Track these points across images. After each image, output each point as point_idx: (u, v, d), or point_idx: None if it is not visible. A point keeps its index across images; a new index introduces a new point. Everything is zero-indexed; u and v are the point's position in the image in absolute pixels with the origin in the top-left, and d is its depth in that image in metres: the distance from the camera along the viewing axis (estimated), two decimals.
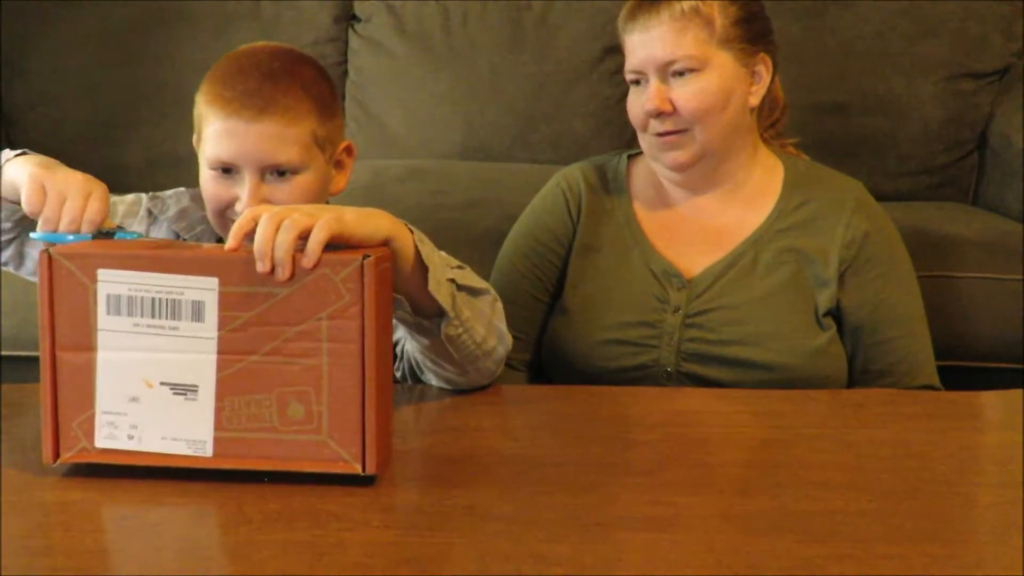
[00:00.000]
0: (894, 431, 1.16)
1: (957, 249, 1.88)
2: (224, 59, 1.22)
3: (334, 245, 0.95)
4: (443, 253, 1.15)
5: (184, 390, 0.94)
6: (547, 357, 1.48)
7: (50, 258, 0.94)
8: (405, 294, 1.09)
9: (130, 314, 0.94)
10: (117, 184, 1.30)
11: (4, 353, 1.86)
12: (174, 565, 0.83)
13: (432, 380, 1.23)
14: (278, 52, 1.23)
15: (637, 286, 1.42)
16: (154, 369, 0.94)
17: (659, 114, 1.38)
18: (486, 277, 1.27)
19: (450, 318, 1.11)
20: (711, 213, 1.45)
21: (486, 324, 1.17)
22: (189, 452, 0.95)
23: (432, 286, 1.07)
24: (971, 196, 2.33)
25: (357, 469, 0.93)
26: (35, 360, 0.97)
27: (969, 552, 0.88)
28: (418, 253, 1.06)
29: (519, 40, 2.36)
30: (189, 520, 0.92)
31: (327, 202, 1.25)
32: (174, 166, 2.32)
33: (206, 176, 1.21)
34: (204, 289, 0.93)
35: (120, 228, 1.11)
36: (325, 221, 0.94)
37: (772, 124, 1.52)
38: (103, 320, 0.94)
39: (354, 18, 2.45)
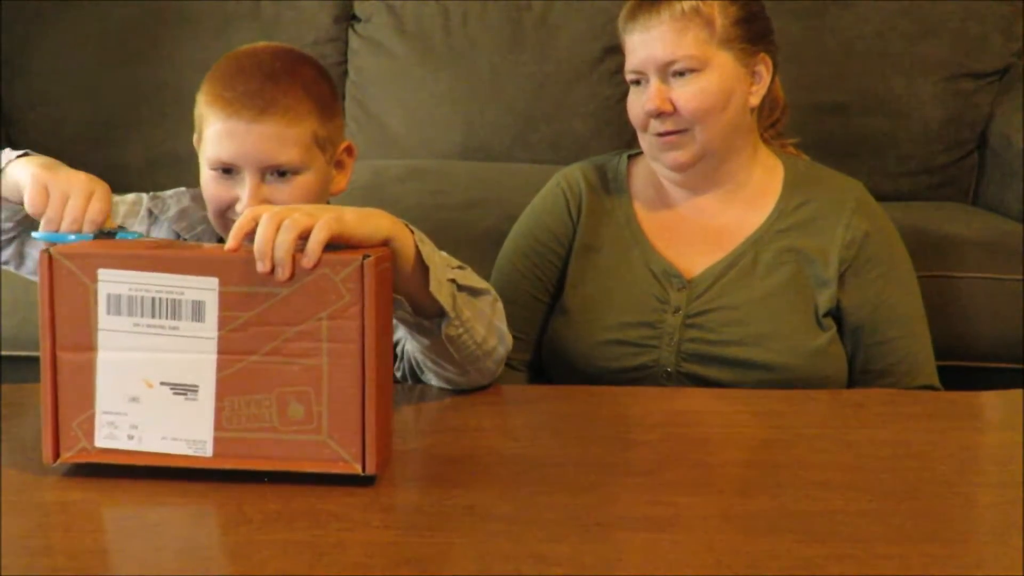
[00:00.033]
0: (894, 431, 1.16)
1: (957, 249, 1.88)
2: (225, 59, 1.22)
3: (334, 245, 0.95)
4: (443, 253, 1.15)
5: (184, 390, 0.94)
6: (547, 357, 1.48)
7: (50, 258, 0.94)
8: (405, 294, 1.09)
9: (130, 314, 0.94)
10: (117, 184, 1.30)
11: (4, 353, 1.86)
12: (174, 565, 0.83)
13: (432, 380, 1.23)
14: (279, 52, 1.23)
15: (637, 286, 1.42)
16: (154, 369, 0.94)
17: (659, 114, 1.38)
18: (486, 277, 1.27)
19: (451, 318, 1.11)
20: (711, 213, 1.45)
21: (486, 324, 1.17)
22: (189, 452, 0.95)
23: (433, 286, 1.07)
24: (971, 196, 2.33)
25: (357, 469, 0.93)
26: (35, 360, 0.97)
27: (969, 552, 0.88)
28: (418, 253, 1.06)
29: (519, 40, 2.36)
30: (189, 520, 0.92)
31: (327, 202, 1.25)
32: (174, 166, 2.31)
33: (207, 176, 1.21)
34: (204, 289, 0.93)
35: (121, 228, 1.11)
36: (325, 221, 0.94)
37: (772, 124, 1.52)
38: (103, 320, 0.94)
39: (354, 18, 2.45)
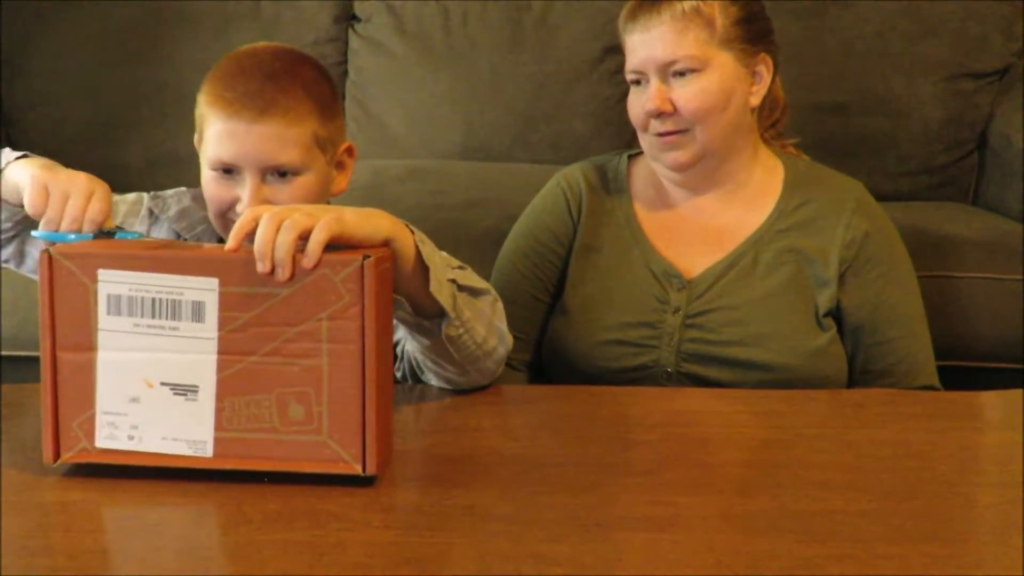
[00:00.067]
0: (894, 431, 1.16)
1: (957, 249, 1.88)
2: (225, 59, 1.22)
3: (335, 245, 0.95)
4: (443, 253, 1.15)
5: (184, 390, 0.94)
6: (547, 357, 1.48)
7: (50, 258, 0.94)
8: (406, 294, 1.09)
9: (130, 314, 0.94)
10: (118, 184, 1.30)
11: (4, 353, 1.86)
12: (174, 565, 0.83)
13: (432, 380, 1.23)
14: (279, 53, 1.23)
15: (637, 286, 1.42)
16: (154, 369, 0.94)
17: (660, 114, 1.38)
18: (486, 277, 1.27)
19: (451, 318, 1.11)
20: (711, 213, 1.45)
21: (487, 324, 1.17)
22: (189, 452, 0.95)
23: (433, 287, 1.07)
24: (971, 196, 2.33)
25: (357, 470, 0.93)
26: (35, 360, 0.97)
27: (969, 552, 0.88)
28: (419, 253, 1.06)
29: (519, 40, 2.36)
30: (189, 520, 0.92)
31: (328, 203, 1.25)
32: (174, 166, 2.32)
33: (207, 177, 1.21)
34: (204, 289, 0.93)
35: (120, 228, 1.11)
36: (325, 222, 0.94)
37: (772, 124, 1.52)
38: (103, 320, 0.94)
39: (354, 18, 2.45)
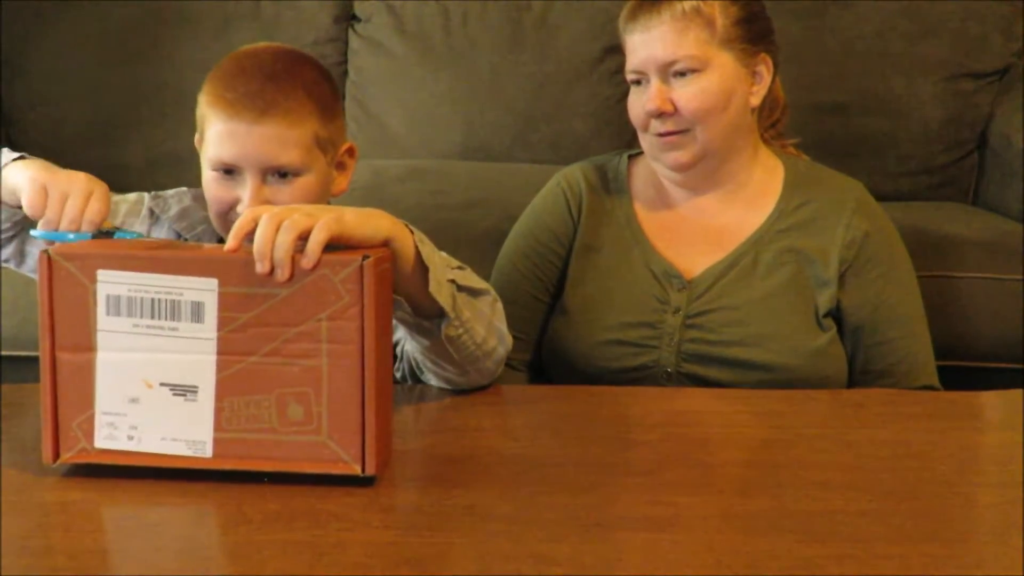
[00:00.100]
0: (894, 431, 1.16)
1: (957, 249, 1.88)
2: (226, 60, 1.22)
3: (334, 246, 0.95)
4: (443, 254, 1.15)
5: (184, 391, 0.94)
6: (547, 357, 1.48)
7: (50, 259, 0.94)
8: (405, 295, 1.09)
9: (130, 315, 0.94)
10: (118, 184, 1.30)
11: (4, 353, 1.86)
12: (174, 565, 0.83)
13: (432, 380, 1.23)
14: (280, 53, 1.23)
15: (637, 287, 1.42)
16: (154, 370, 0.94)
17: (660, 114, 1.38)
18: (486, 277, 1.27)
19: (450, 319, 1.11)
20: (712, 213, 1.45)
21: (486, 325, 1.17)
22: (189, 453, 0.95)
23: (433, 287, 1.07)
24: (971, 196, 2.33)
25: (356, 470, 0.93)
26: (35, 360, 0.97)
27: (969, 552, 0.88)
28: (418, 254, 1.06)
29: (519, 40, 2.36)
30: (189, 520, 0.92)
31: (328, 203, 1.25)
32: (174, 166, 2.32)
33: (208, 177, 1.21)
34: (203, 290, 0.93)
35: (118, 228, 1.11)
36: (325, 222, 0.94)
37: (772, 124, 1.52)
38: (103, 321, 0.94)
39: (354, 18, 2.45)
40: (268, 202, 1.16)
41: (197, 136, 1.24)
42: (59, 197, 1.07)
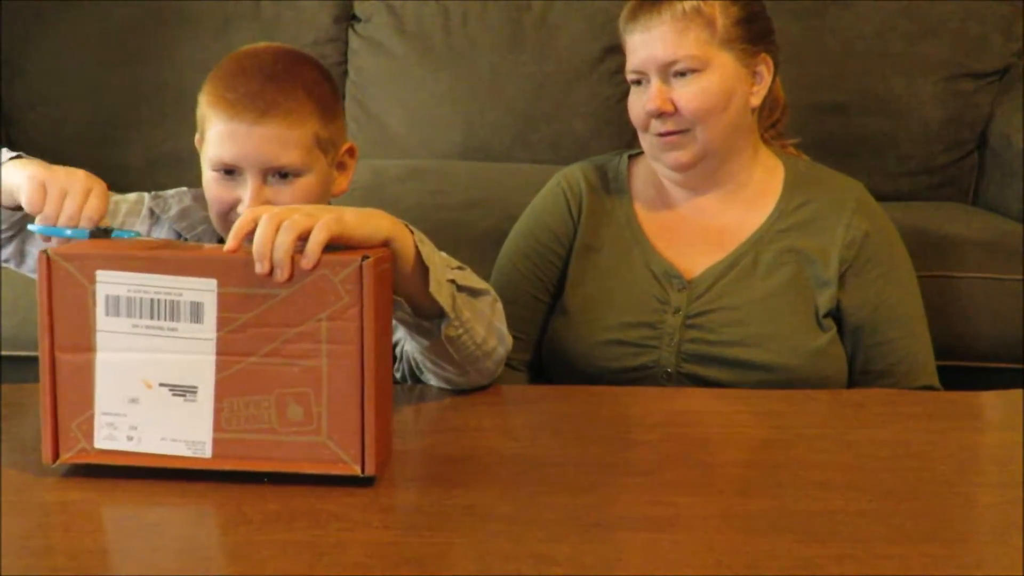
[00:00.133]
0: (894, 431, 1.16)
1: (957, 249, 1.88)
2: (227, 60, 1.22)
3: (334, 246, 0.95)
4: (443, 254, 1.15)
5: (183, 391, 0.94)
6: (547, 357, 1.48)
7: (49, 259, 0.94)
8: (405, 295, 1.09)
9: (129, 315, 0.94)
10: (118, 184, 1.30)
11: (4, 353, 1.86)
12: (174, 565, 0.83)
13: (432, 380, 1.23)
14: (281, 53, 1.23)
15: (637, 287, 1.42)
16: (153, 370, 0.94)
17: (660, 114, 1.38)
18: (486, 277, 1.27)
19: (450, 319, 1.11)
20: (712, 213, 1.45)
21: (486, 325, 1.17)
22: (188, 453, 0.95)
23: (433, 287, 1.07)
24: (971, 196, 2.33)
25: (356, 471, 0.93)
26: (35, 360, 0.97)
27: (969, 552, 0.88)
28: (418, 254, 1.06)
29: (519, 40, 2.36)
30: (189, 520, 0.92)
31: (329, 203, 1.25)
32: (174, 166, 2.32)
33: (209, 178, 1.21)
34: (203, 290, 0.93)
35: (114, 227, 1.11)
36: (325, 222, 0.94)
37: (772, 124, 1.52)
38: (102, 321, 0.94)
39: (354, 18, 2.45)
40: (269, 202, 1.16)
41: (197, 136, 1.24)
42: (58, 194, 1.07)
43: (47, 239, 1.08)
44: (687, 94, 1.37)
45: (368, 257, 0.92)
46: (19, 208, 1.12)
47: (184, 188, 1.37)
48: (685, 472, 1.02)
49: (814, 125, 2.15)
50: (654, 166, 1.47)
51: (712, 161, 1.42)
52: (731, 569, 0.81)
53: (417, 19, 2.39)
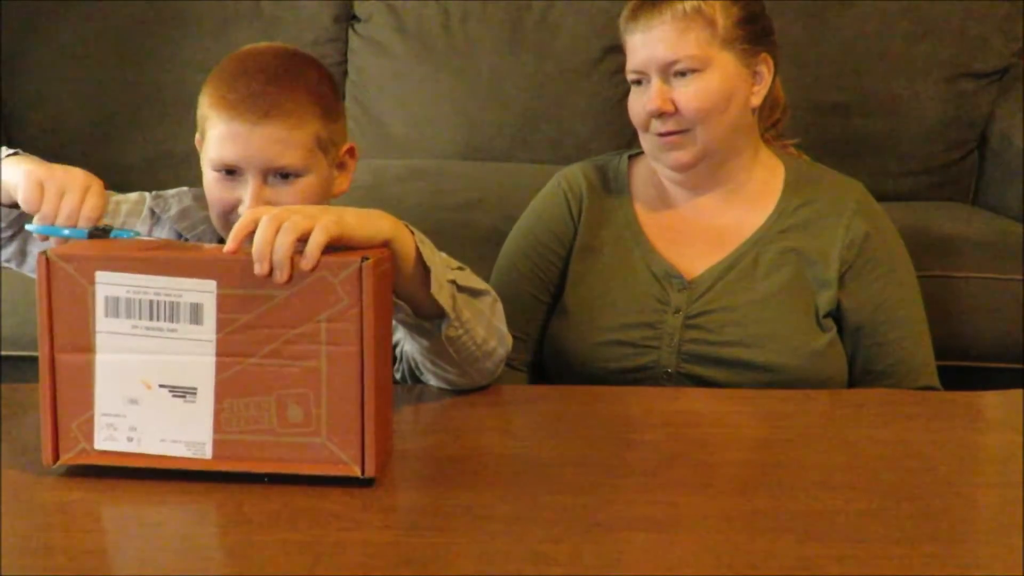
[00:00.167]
0: (894, 431, 1.16)
1: (957, 249, 1.88)
2: (228, 60, 1.22)
3: (335, 247, 0.95)
4: (443, 254, 1.15)
5: (183, 392, 0.94)
6: (547, 358, 1.48)
7: (48, 260, 0.94)
8: (406, 295, 1.09)
9: (128, 316, 0.94)
10: (118, 184, 1.30)
11: (4, 353, 1.86)
12: (174, 565, 0.83)
13: (431, 381, 1.23)
14: (282, 54, 1.23)
15: (638, 287, 1.42)
16: (153, 371, 0.94)
17: (661, 114, 1.38)
18: (486, 277, 1.27)
19: (451, 319, 1.11)
20: (712, 213, 1.45)
21: (486, 325, 1.17)
22: (188, 454, 0.95)
23: (434, 288, 1.07)
24: (971, 196, 2.33)
25: (356, 472, 0.93)
26: (35, 360, 0.97)
27: (969, 552, 0.88)
28: (419, 254, 1.06)
29: (519, 40, 2.36)
30: (189, 520, 0.92)
31: (329, 203, 1.25)
32: (174, 166, 2.32)
33: (210, 178, 1.21)
34: (202, 292, 0.93)
35: (112, 226, 1.11)
36: (324, 224, 0.94)
37: (773, 124, 1.52)
38: (101, 322, 0.94)
39: (354, 18, 2.44)
40: (269, 203, 1.16)
41: (198, 136, 1.24)
42: (56, 192, 1.07)
43: (45, 238, 1.07)
44: (688, 94, 1.37)
45: (368, 258, 0.92)
46: (16, 206, 1.12)
47: (185, 188, 1.37)
48: (685, 472, 1.02)
49: (814, 125, 2.15)
50: (654, 166, 1.46)
51: (712, 161, 1.42)
52: (731, 569, 0.81)
53: (417, 19, 2.39)
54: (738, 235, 1.43)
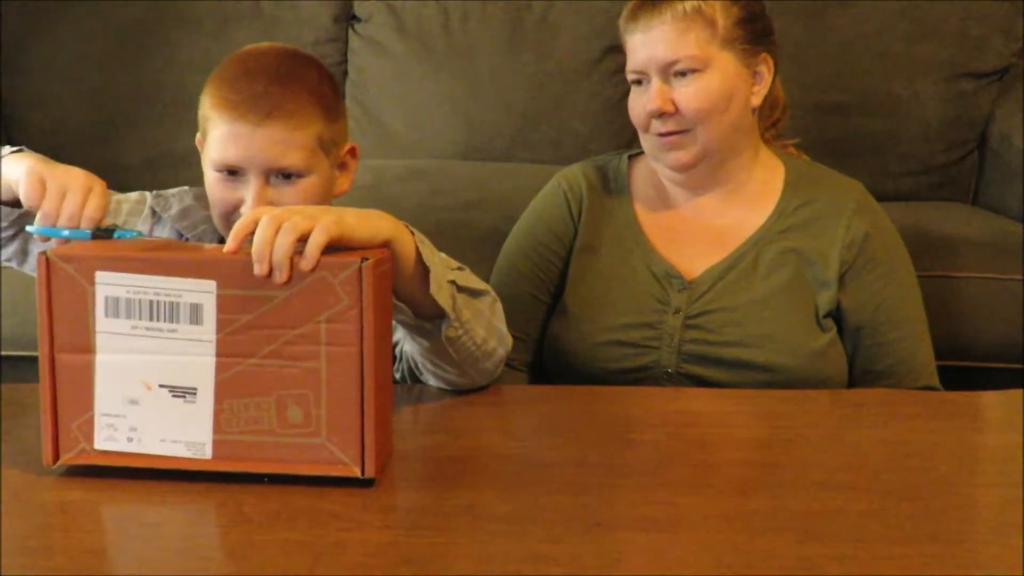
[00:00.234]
0: (894, 431, 1.16)
1: (957, 249, 1.88)
2: (229, 60, 1.22)
3: (335, 247, 0.95)
4: (443, 255, 1.15)
5: (183, 392, 0.94)
6: (547, 358, 1.48)
7: (48, 260, 0.94)
8: (405, 296, 1.09)
9: (128, 316, 0.94)
10: (117, 184, 1.30)
11: (4, 353, 1.86)
12: (174, 565, 0.83)
13: (431, 381, 1.23)
14: (284, 54, 1.23)
15: (638, 287, 1.42)
16: (153, 371, 0.94)
17: (661, 114, 1.38)
18: (486, 277, 1.27)
19: (450, 320, 1.11)
20: (712, 214, 1.45)
21: (486, 325, 1.17)
22: (188, 454, 0.95)
23: (433, 288, 1.07)
24: (971, 196, 2.33)
25: (356, 472, 0.93)
26: (35, 360, 0.97)
27: (969, 552, 0.88)
28: (419, 255, 1.06)
29: (519, 40, 2.36)
30: (189, 520, 0.92)
31: (330, 204, 1.25)
32: (174, 166, 2.32)
33: (211, 178, 1.21)
34: (202, 292, 0.93)
35: (116, 226, 1.11)
36: (324, 224, 0.94)
37: (772, 124, 1.52)
38: (101, 322, 0.94)
39: (354, 18, 2.45)
40: (271, 203, 1.16)
41: (198, 136, 1.24)
42: (57, 191, 1.06)
43: (46, 239, 1.07)
44: (688, 94, 1.37)
45: (368, 259, 0.92)
46: (18, 203, 1.11)
47: (186, 187, 1.37)
48: (685, 472, 1.02)
49: (814, 125, 2.15)
50: (654, 166, 1.46)
51: (713, 161, 1.42)
52: (731, 569, 0.81)
53: (417, 19, 2.39)
54: (738, 235, 1.43)
